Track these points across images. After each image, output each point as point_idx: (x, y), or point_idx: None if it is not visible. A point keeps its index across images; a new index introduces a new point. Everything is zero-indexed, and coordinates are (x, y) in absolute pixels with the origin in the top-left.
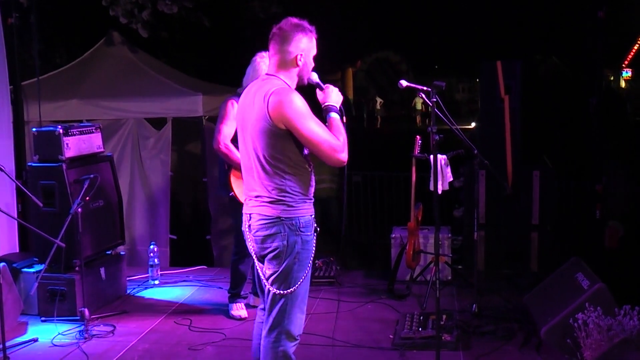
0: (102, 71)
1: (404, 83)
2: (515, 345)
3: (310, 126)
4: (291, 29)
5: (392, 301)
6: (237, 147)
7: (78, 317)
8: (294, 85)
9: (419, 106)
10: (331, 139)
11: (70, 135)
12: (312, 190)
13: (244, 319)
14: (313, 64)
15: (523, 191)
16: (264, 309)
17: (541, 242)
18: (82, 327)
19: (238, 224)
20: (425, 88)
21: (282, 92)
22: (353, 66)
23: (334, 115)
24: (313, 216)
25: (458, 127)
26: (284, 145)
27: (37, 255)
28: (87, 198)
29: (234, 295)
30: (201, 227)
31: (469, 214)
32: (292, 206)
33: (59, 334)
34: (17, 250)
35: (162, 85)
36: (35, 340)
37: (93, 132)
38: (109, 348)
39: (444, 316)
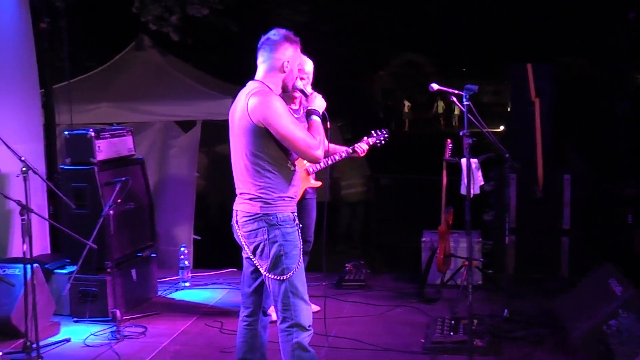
0: (132, 75)
1: (435, 86)
2: (546, 350)
3: (286, 124)
4: (279, 39)
5: (422, 305)
6: None
7: (110, 318)
8: (278, 91)
9: (440, 109)
10: (306, 137)
11: (101, 138)
12: (294, 189)
13: (274, 321)
14: (298, 73)
15: (553, 195)
16: (246, 307)
17: (572, 247)
18: (114, 328)
19: None
20: (456, 91)
21: (261, 93)
22: (380, 69)
23: (315, 118)
24: (294, 213)
25: (489, 130)
26: (263, 142)
27: (69, 257)
28: (119, 200)
29: None
30: (229, 228)
31: (499, 218)
32: (269, 203)
33: (91, 334)
34: (49, 252)
35: (192, 89)
36: (68, 340)
37: (124, 135)
38: (140, 349)
39: (475, 321)
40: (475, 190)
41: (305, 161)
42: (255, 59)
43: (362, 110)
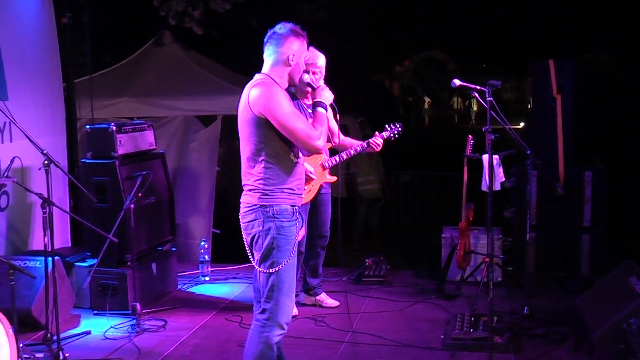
0: (153, 69)
1: (457, 82)
2: (566, 349)
3: (286, 113)
4: (285, 32)
5: (442, 301)
6: None
7: (130, 311)
8: (284, 84)
9: (456, 105)
10: (306, 128)
11: (123, 133)
12: (296, 182)
13: (295, 316)
14: (305, 66)
15: (574, 192)
16: (258, 302)
17: (592, 245)
18: (134, 321)
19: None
20: (478, 87)
21: (263, 84)
22: (400, 65)
23: (320, 110)
24: (295, 207)
25: (511, 126)
26: (264, 134)
27: (89, 250)
28: (140, 194)
29: None
30: None
31: (520, 214)
32: (267, 195)
33: (111, 327)
34: (69, 245)
35: (213, 83)
36: (88, 333)
37: (145, 130)
38: (160, 342)
39: (495, 318)
40: (495, 186)
41: (321, 156)
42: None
43: (382, 106)
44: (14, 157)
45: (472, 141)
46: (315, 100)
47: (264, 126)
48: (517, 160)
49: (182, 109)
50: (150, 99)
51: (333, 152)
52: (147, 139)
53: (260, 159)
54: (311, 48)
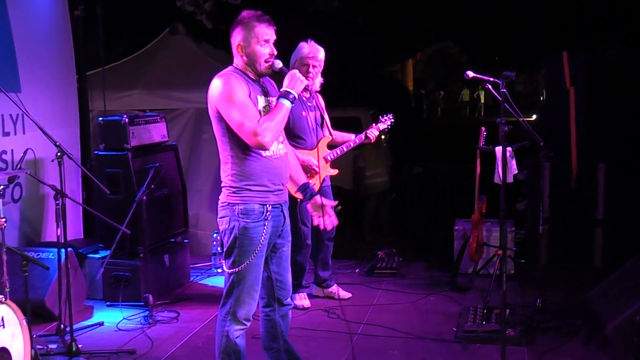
0: (165, 62)
1: (470, 74)
2: (579, 342)
3: (232, 108)
4: (234, 23)
5: (454, 294)
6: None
7: (142, 303)
8: (251, 73)
9: (466, 97)
10: (251, 122)
11: (135, 125)
12: (269, 178)
13: (307, 308)
14: (270, 52)
15: (587, 185)
16: (262, 298)
17: (605, 237)
18: (147, 312)
19: (292, 216)
20: (492, 79)
21: (219, 76)
22: (413, 57)
23: (280, 101)
24: (267, 205)
25: (524, 118)
26: (226, 127)
27: (102, 242)
28: (152, 186)
29: (296, 286)
30: None
31: (533, 207)
32: (235, 193)
33: (124, 318)
34: (82, 237)
35: None
36: (101, 324)
37: (158, 122)
38: (173, 334)
39: (508, 310)
40: (508, 179)
41: (325, 148)
42: (289, 48)
43: (395, 99)
44: (27, 149)
45: (485, 133)
46: (282, 89)
47: (223, 120)
48: (530, 153)
49: (194, 101)
50: (162, 91)
51: (331, 146)
52: (160, 131)
53: (228, 154)
54: (311, 42)
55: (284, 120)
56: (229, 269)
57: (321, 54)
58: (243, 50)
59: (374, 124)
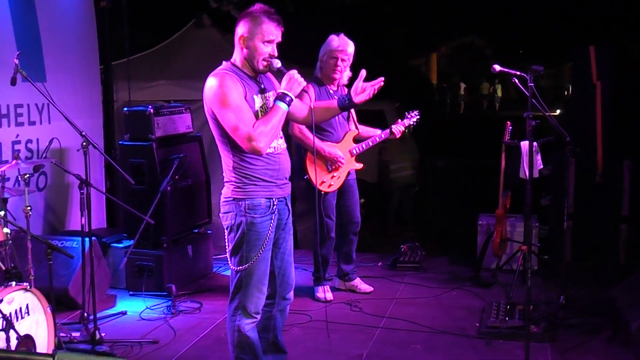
0: (190, 53)
1: (497, 68)
2: (602, 339)
3: (226, 112)
4: (243, 12)
5: (477, 289)
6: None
7: (165, 293)
8: (249, 70)
9: (485, 91)
10: (246, 127)
11: (160, 115)
12: (273, 173)
13: (329, 301)
14: (270, 52)
15: (613, 181)
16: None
17: (630, 234)
18: (170, 302)
19: (315, 207)
20: (518, 73)
21: (214, 74)
22: (437, 51)
23: (277, 104)
24: (273, 199)
25: (550, 113)
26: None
27: (125, 231)
28: (176, 177)
29: (319, 278)
30: None
31: (558, 203)
32: (240, 188)
33: (147, 308)
34: (105, 226)
35: None
36: (124, 313)
37: (183, 113)
38: (195, 324)
39: (531, 307)
40: (534, 174)
41: (350, 142)
42: (313, 40)
43: (419, 92)
44: (52, 139)
45: (510, 127)
46: (279, 90)
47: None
48: (555, 148)
49: None
50: (187, 81)
51: (357, 140)
52: (185, 122)
53: (228, 151)
54: (341, 35)
55: (280, 123)
56: (237, 266)
57: (350, 47)
58: (245, 43)
59: (399, 120)
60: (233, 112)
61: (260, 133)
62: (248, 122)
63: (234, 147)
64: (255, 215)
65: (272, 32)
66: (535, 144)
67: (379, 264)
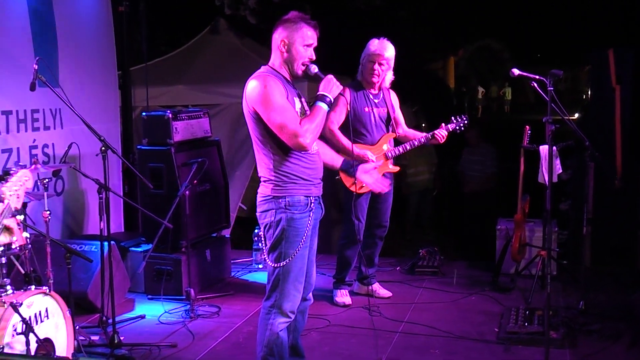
0: (208, 57)
1: (516, 72)
2: (622, 345)
3: (272, 110)
4: (279, 20)
5: (496, 294)
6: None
7: (184, 297)
8: (286, 74)
9: (494, 94)
10: (293, 124)
11: (179, 120)
12: (311, 172)
13: (348, 305)
14: (309, 56)
15: (632, 185)
16: None
17: None
18: (188, 306)
19: (346, 208)
20: (537, 77)
21: (255, 77)
22: (455, 55)
23: (318, 104)
24: (311, 197)
25: (569, 117)
26: (265, 126)
27: (144, 235)
28: (195, 181)
29: (339, 281)
30: None
31: (577, 207)
32: (280, 186)
33: (166, 312)
34: (122, 230)
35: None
36: (143, 317)
37: (201, 117)
38: (214, 328)
39: (550, 312)
40: (553, 178)
41: (384, 146)
42: (330, 45)
43: (436, 96)
44: (71, 143)
45: (529, 132)
46: (318, 92)
47: (262, 120)
48: (574, 152)
49: (237, 96)
50: (205, 86)
51: (397, 142)
52: (203, 126)
53: (268, 151)
54: (382, 39)
55: (322, 122)
56: (275, 262)
57: (388, 52)
58: (285, 47)
59: (443, 124)
60: (279, 111)
61: (307, 130)
62: (294, 120)
63: (275, 146)
64: (294, 212)
65: (311, 36)
66: (554, 148)
67: (398, 269)
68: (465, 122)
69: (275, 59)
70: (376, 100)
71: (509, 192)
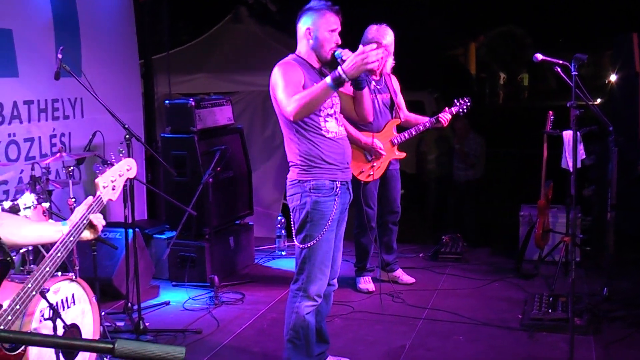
0: (229, 45)
1: (539, 57)
2: None
3: (277, 89)
4: (304, 8)
5: (519, 280)
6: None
7: (208, 284)
8: (314, 60)
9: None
10: (286, 97)
11: (201, 108)
12: (335, 156)
13: (371, 292)
14: (335, 41)
15: None
16: None
17: None
18: (212, 293)
19: (357, 198)
20: (561, 62)
21: (279, 64)
22: (476, 41)
23: (324, 79)
24: (337, 181)
25: (593, 102)
26: None
27: (167, 223)
28: (218, 169)
29: (361, 269)
30: None
31: (600, 193)
32: (305, 170)
33: (190, 298)
34: (146, 217)
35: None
36: (167, 303)
37: (224, 105)
38: (238, 315)
39: (574, 299)
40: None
41: (392, 131)
42: (347, 28)
43: (457, 82)
44: (95, 132)
45: (552, 117)
46: (335, 71)
47: None
48: (598, 137)
49: (259, 84)
50: (227, 74)
51: (401, 128)
52: (225, 114)
53: (294, 135)
54: (381, 25)
55: (320, 97)
56: (301, 243)
57: (387, 38)
58: (311, 34)
59: (447, 108)
60: (281, 89)
61: (294, 100)
62: (289, 94)
63: (301, 132)
64: (319, 195)
65: (334, 21)
66: (577, 133)
67: (421, 255)
68: (468, 104)
69: (302, 47)
70: (378, 87)
71: (531, 178)
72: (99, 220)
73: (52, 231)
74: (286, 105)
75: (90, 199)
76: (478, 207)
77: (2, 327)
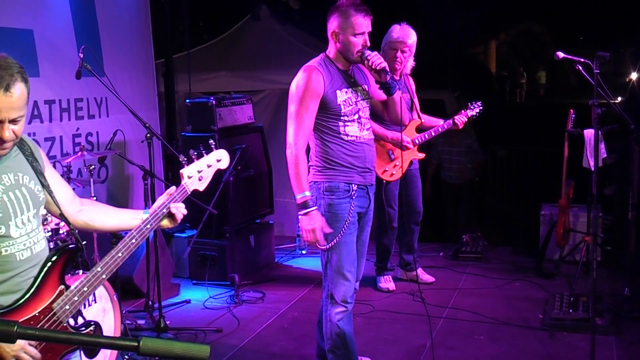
0: (250, 44)
1: (560, 54)
2: None
3: (292, 104)
4: (331, 9)
5: (540, 280)
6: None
7: (228, 282)
8: (341, 62)
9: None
10: (292, 130)
11: (222, 106)
12: (354, 159)
13: (392, 291)
14: (362, 43)
15: None
16: None
17: None
18: (233, 292)
19: (378, 198)
20: (582, 60)
21: (303, 67)
22: (497, 39)
23: (300, 198)
24: (352, 184)
25: (614, 100)
26: None
27: (188, 221)
28: (239, 167)
29: (381, 268)
30: None
31: (621, 192)
32: (320, 171)
33: (210, 297)
34: None
35: (309, 56)
36: (188, 302)
37: (244, 104)
38: (259, 314)
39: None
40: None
41: (413, 132)
42: (374, 31)
43: (477, 81)
44: (116, 130)
45: (573, 115)
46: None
47: None
48: (619, 136)
49: (280, 82)
50: (247, 72)
51: (419, 129)
52: (246, 113)
53: (311, 137)
54: (403, 25)
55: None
56: (321, 246)
57: (411, 38)
58: (337, 38)
59: (462, 110)
60: (294, 115)
61: (289, 144)
62: (300, 132)
63: (317, 133)
64: (332, 197)
65: (362, 23)
66: (599, 132)
67: (441, 254)
68: (480, 108)
69: (331, 48)
70: (399, 87)
71: (552, 177)
72: (178, 209)
73: (132, 218)
74: (288, 146)
75: (172, 188)
76: (500, 206)
77: (67, 307)
